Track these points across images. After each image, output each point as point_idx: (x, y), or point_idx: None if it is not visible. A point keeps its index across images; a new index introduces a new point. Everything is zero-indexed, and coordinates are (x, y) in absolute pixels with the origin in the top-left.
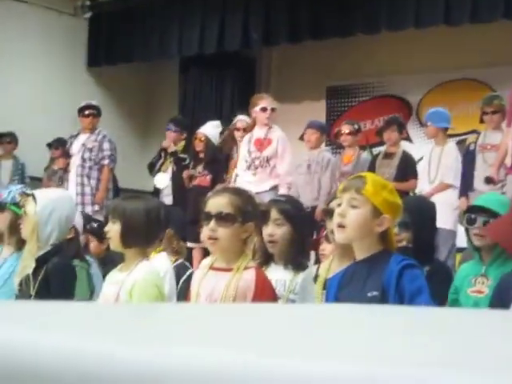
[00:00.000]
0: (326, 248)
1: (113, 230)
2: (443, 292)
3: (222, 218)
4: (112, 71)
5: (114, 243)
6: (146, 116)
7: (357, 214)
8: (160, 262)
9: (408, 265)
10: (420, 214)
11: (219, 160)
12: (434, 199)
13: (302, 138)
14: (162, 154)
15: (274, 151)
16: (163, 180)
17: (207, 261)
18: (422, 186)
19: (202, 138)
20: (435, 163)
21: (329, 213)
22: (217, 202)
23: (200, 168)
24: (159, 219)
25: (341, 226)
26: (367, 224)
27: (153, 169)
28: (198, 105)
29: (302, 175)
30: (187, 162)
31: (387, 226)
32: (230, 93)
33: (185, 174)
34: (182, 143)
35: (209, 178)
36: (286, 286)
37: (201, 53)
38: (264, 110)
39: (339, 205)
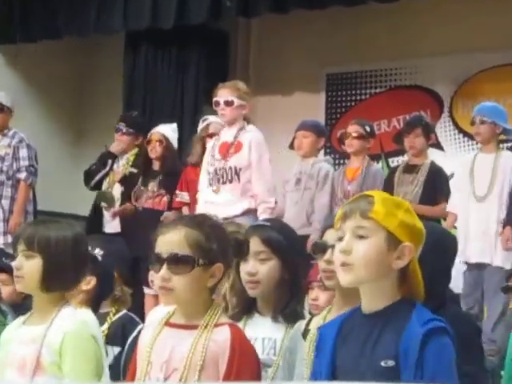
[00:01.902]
0: (318, 297)
1: (28, 266)
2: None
3: (175, 261)
4: (32, 51)
5: (29, 285)
6: (80, 112)
7: (366, 246)
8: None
9: (436, 329)
10: (435, 247)
11: (180, 174)
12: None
13: (291, 144)
14: (109, 162)
15: (245, 160)
16: (112, 198)
17: (161, 312)
18: (457, 206)
19: (160, 140)
20: (485, 176)
21: (321, 248)
22: (168, 240)
23: (153, 185)
24: (87, 254)
25: (346, 264)
26: (383, 258)
27: (90, 180)
28: (151, 97)
29: (288, 193)
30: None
31: (410, 258)
32: (194, 80)
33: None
34: (134, 151)
35: (166, 199)
36: (276, 348)
37: (154, 26)
38: (217, 104)
39: (340, 239)
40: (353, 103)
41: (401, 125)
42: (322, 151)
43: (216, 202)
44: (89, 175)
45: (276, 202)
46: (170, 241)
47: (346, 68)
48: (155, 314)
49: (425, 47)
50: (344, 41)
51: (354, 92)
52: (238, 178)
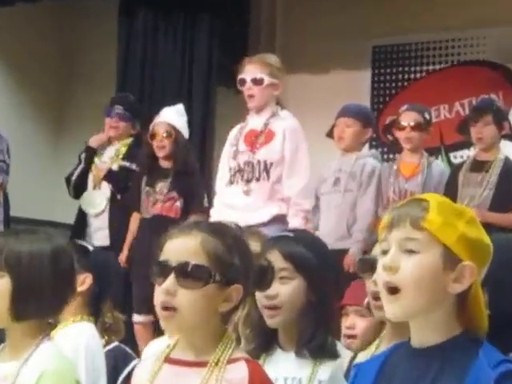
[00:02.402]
0: (355, 324)
1: None
2: None
3: (186, 272)
4: (5, 16)
5: None
6: (62, 94)
7: (417, 262)
8: (76, 336)
9: (510, 373)
10: (507, 267)
11: (195, 172)
12: None
13: (330, 133)
14: (95, 158)
15: (277, 153)
16: (97, 201)
17: (160, 344)
18: None
19: (168, 132)
20: None
21: (369, 266)
22: (180, 246)
23: (162, 185)
24: (72, 271)
25: (391, 288)
26: (437, 279)
27: (71, 182)
28: (151, 75)
29: (324, 196)
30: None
31: (471, 281)
32: (206, 54)
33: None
34: (127, 141)
35: (179, 204)
36: None
37: None
38: (242, 82)
39: (384, 252)
40: (405, 83)
41: (466, 111)
42: (366, 144)
43: (236, 205)
44: (68, 182)
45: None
46: (183, 247)
47: (397, 39)
48: (155, 347)
49: (497, 13)
50: (394, 5)
51: (406, 69)
52: (268, 176)
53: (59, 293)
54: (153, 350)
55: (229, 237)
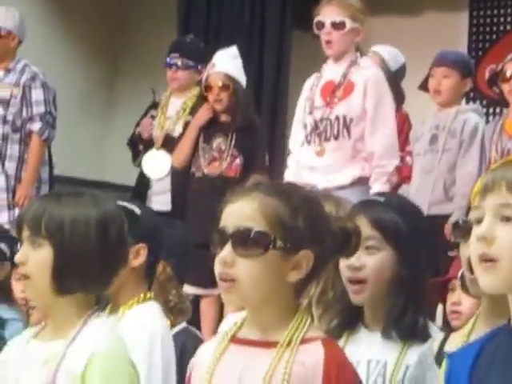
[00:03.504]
0: (462, 300)
1: (35, 259)
2: None
3: (244, 239)
4: None
5: (37, 287)
6: (118, 40)
7: None
8: (144, 321)
9: None
10: None
11: (257, 128)
12: None
13: (424, 85)
14: (154, 113)
15: (358, 107)
16: (159, 164)
17: (227, 324)
18: None
19: (225, 83)
20: None
21: (465, 231)
22: (237, 211)
23: (220, 141)
24: (123, 239)
25: (486, 260)
26: None
27: (136, 144)
28: (217, 15)
29: (419, 157)
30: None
31: None
32: None
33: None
34: (196, 91)
35: (239, 161)
36: (386, 375)
37: None
38: (320, 26)
39: (479, 221)
40: (508, 26)
41: None
42: (464, 97)
43: (316, 166)
44: (134, 139)
45: (399, 167)
46: (240, 211)
47: None
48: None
49: None
50: None
51: (509, 11)
52: (348, 133)
53: (108, 265)
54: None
55: (294, 198)
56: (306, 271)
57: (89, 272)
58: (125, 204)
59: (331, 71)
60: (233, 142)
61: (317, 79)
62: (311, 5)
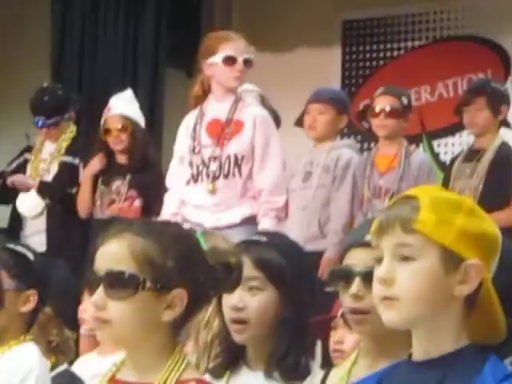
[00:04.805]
0: (344, 337)
1: None
2: None
3: (112, 282)
4: None
5: None
6: None
7: (414, 271)
8: (20, 360)
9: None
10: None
11: (156, 167)
12: None
13: (300, 121)
14: (28, 156)
15: (247, 145)
16: (31, 202)
17: (88, 360)
18: None
19: (124, 125)
20: None
21: (343, 277)
22: (108, 253)
23: (119, 184)
24: None
25: (388, 299)
26: (439, 285)
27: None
28: (91, 54)
29: (294, 193)
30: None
31: (480, 280)
32: (153, 28)
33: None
34: (69, 133)
35: (138, 203)
36: None
37: None
38: (231, 62)
39: (379, 260)
40: (381, 62)
41: (450, 93)
42: (338, 133)
43: (204, 205)
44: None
45: (285, 206)
46: (110, 253)
47: (371, 12)
48: (85, 365)
49: None
50: None
51: (381, 47)
52: (240, 171)
53: None
54: (86, 365)
55: (165, 236)
56: (180, 310)
57: None
58: (17, 247)
59: (215, 109)
60: (129, 182)
61: (199, 118)
62: (186, 42)
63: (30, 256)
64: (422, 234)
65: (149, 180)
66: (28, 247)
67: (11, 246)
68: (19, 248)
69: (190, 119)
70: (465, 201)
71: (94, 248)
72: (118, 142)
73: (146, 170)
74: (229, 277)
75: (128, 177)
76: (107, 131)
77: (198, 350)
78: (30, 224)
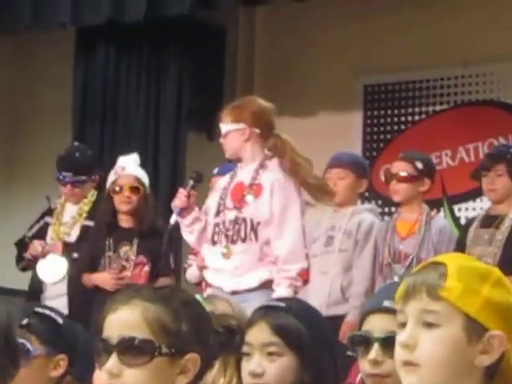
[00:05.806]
0: None
1: None
2: None
3: (127, 349)
4: None
5: None
6: (12, 140)
7: (437, 338)
8: None
9: None
10: None
11: (163, 232)
12: None
13: None
14: (48, 220)
15: (267, 211)
16: (55, 268)
17: None
18: None
19: (135, 186)
20: None
21: (362, 343)
22: (120, 320)
23: (127, 250)
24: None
25: (409, 364)
26: (461, 354)
27: (23, 248)
28: (112, 118)
29: (315, 258)
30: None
31: (502, 351)
32: (175, 95)
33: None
34: (91, 197)
35: (147, 268)
36: None
37: (116, 20)
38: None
39: (402, 325)
40: (402, 126)
41: (471, 157)
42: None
43: (222, 268)
44: (21, 244)
45: (303, 273)
46: (122, 320)
47: (392, 77)
48: None
49: (504, 48)
50: (388, 38)
51: (403, 111)
52: (256, 236)
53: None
54: None
55: (176, 302)
56: (193, 374)
57: None
58: (45, 311)
59: (243, 173)
60: (138, 248)
61: (231, 180)
62: (208, 107)
63: (60, 320)
64: (447, 301)
65: (156, 245)
66: (57, 311)
67: (39, 309)
68: (47, 312)
69: (224, 180)
70: (492, 271)
71: (99, 316)
72: (126, 202)
73: (155, 236)
74: (232, 340)
75: (135, 241)
76: (118, 189)
77: None
78: (49, 287)
